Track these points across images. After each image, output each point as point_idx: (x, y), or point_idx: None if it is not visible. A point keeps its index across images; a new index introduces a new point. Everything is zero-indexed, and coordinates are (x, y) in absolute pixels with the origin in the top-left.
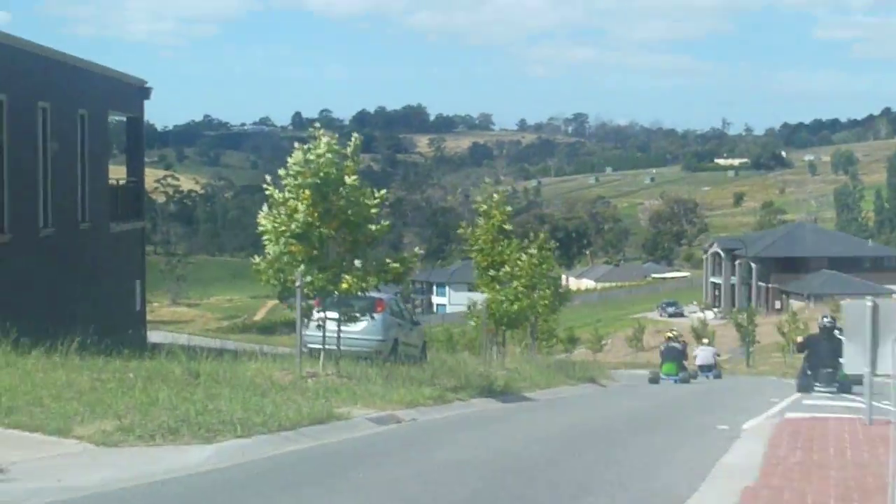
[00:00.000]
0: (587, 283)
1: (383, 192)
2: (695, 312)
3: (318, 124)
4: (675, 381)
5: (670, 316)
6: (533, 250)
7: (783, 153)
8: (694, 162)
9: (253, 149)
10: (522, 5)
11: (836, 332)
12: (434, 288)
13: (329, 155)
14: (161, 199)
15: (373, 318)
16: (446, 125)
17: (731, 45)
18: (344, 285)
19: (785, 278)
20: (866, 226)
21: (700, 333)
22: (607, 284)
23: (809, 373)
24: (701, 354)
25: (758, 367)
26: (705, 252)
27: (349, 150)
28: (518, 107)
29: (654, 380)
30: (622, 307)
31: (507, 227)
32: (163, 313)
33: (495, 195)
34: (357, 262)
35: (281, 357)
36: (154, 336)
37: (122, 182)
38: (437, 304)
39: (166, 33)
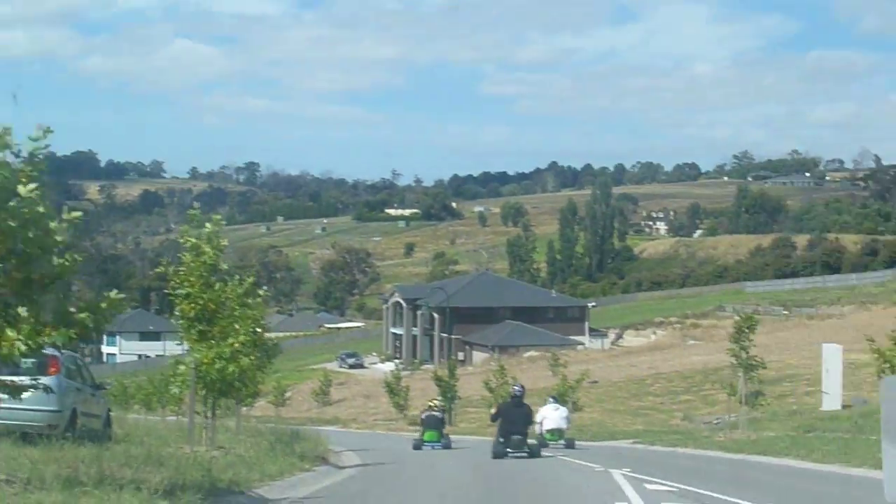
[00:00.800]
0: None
1: (76, 214)
2: (375, 364)
3: None
4: (434, 448)
5: (350, 367)
6: (251, 299)
7: (453, 204)
8: (365, 212)
9: None
10: (194, 52)
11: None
12: (104, 336)
13: None
14: None
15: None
16: (117, 172)
17: (401, 98)
18: (5, 345)
19: (468, 329)
20: (539, 276)
21: (394, 388)
22: (281, 334)
23: (502, 440)
24: (552, 416)
25: (458, 425)
26: (385, 302)
27: (29, 148)
28: (190, 155)
29: (418, 447)
30: (299, 358)
31: (224, 266)
32: None
33: (208, 224)
34: (22, 310)
35: None
36: None
37: None
38: (108, 354)
39: None
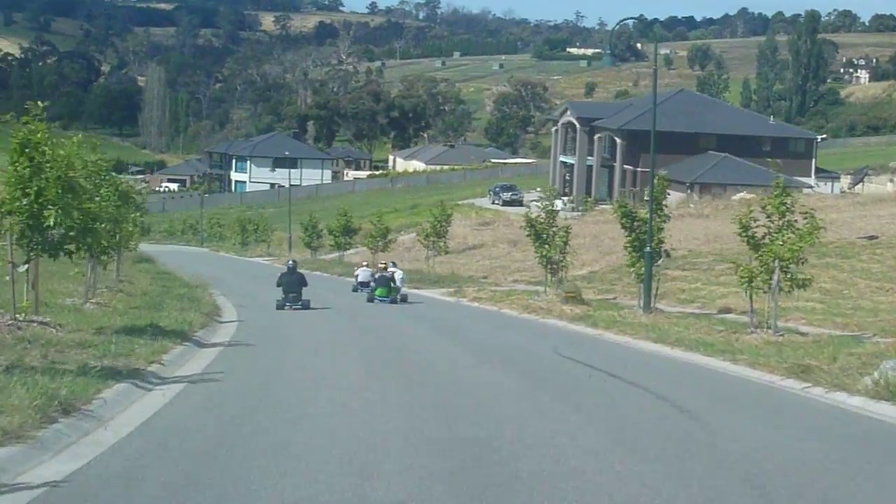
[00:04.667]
0: (416, 165)
1: None
2: (535, 201)
3: None
4: (383, 302)
5: (504, 203)
6: None
7: (638, 45)
8: (545, 50)
9: (87, 17)
10: None
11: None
12: (234, 162)
13: None
14: None
15: None
16: (294, 4)
17: None
18: None
19: (660, 160)
20: None
21: (542, 231)
22: (438, 167)
23: (283, 297)
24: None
25: (664, 308)
26: (555, 123)
27: None
28: None
29: (371, 300)
30: (451, 192)
31: None
32: None
33: None
34: None
35: None
36: None
37: None
38: (236, 181)
39: None
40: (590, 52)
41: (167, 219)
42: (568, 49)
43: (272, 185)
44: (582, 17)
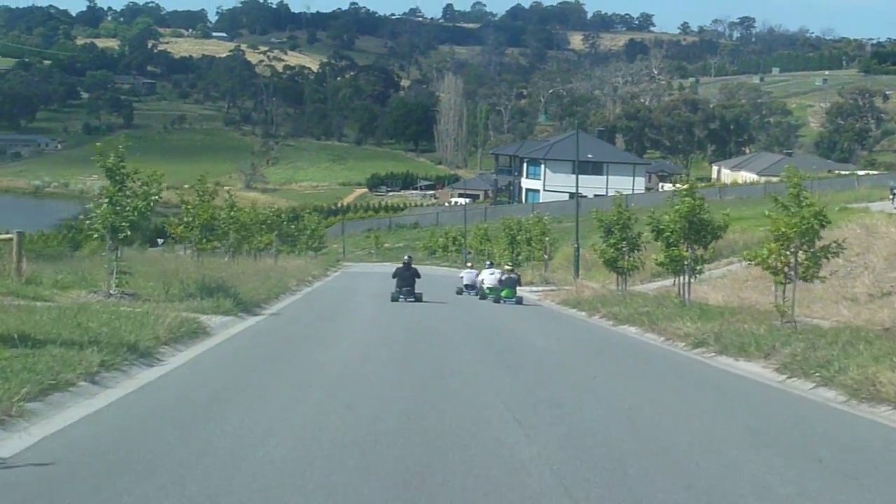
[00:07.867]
0: (746, 176)
1: None
2: None
3: None
4: (507, 302)
5: None
6: None
7: None
8: (874, 64)
9: (391, 35)
10: None
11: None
12: (525, 167)
13: None
14: (266, 73)
15: None
16: (603, 24)
17: None
18: None
19: None
20: None
21: None
22: (774, 178)
23: (397, 289)
24: (488, 278)
25: None
26: None
27: None
28: (681, 9)
29: (497, 300)
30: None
31: None
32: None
33: None
34: None
35: None
36: None
37: None
38: (528, 190)
39: None
40: None
41: (430, 234)
42: None
43: (571, 194)
44: None
